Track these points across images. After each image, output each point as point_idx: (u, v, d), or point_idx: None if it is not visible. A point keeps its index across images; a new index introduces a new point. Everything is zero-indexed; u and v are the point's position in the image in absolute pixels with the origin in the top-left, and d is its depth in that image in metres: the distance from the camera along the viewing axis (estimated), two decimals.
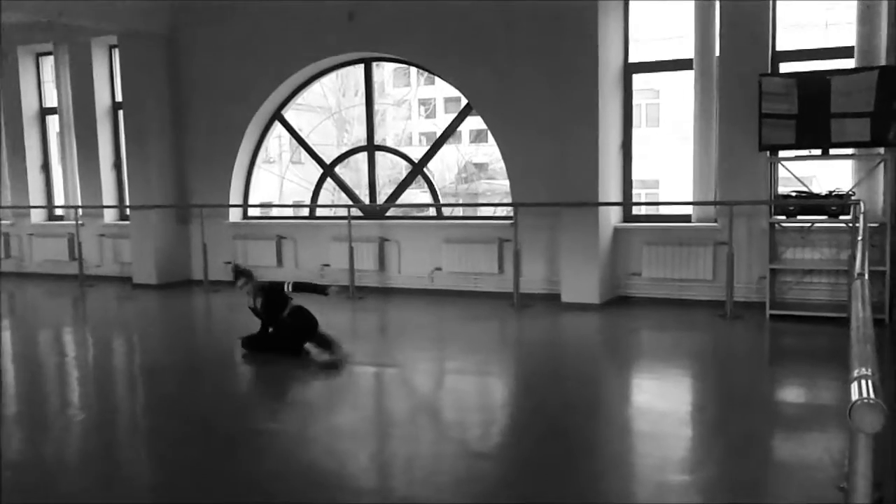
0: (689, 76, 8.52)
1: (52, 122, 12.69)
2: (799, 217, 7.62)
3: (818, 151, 7.51)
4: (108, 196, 12.02)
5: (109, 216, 12.12)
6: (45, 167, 12.86)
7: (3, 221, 12.98)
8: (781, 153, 7.70)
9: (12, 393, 6.22)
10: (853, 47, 7.67)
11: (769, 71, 7.94)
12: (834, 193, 7.47)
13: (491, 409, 5.62)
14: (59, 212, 12.80)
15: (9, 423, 5.34)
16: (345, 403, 5.71)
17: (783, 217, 7.68)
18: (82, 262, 11.51)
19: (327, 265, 10.18)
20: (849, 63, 7.69)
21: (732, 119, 8.12)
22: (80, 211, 11.87)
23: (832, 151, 7.48)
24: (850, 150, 7.56)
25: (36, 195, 12.74)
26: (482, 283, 9.50)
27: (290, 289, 6.63)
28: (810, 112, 7.30)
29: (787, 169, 7.78)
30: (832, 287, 7.80)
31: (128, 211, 11.58)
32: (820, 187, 7.83)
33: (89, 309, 10.16)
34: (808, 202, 7.54)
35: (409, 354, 6.98)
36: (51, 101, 12.61)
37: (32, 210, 12.70)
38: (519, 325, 8.12)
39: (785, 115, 7.38)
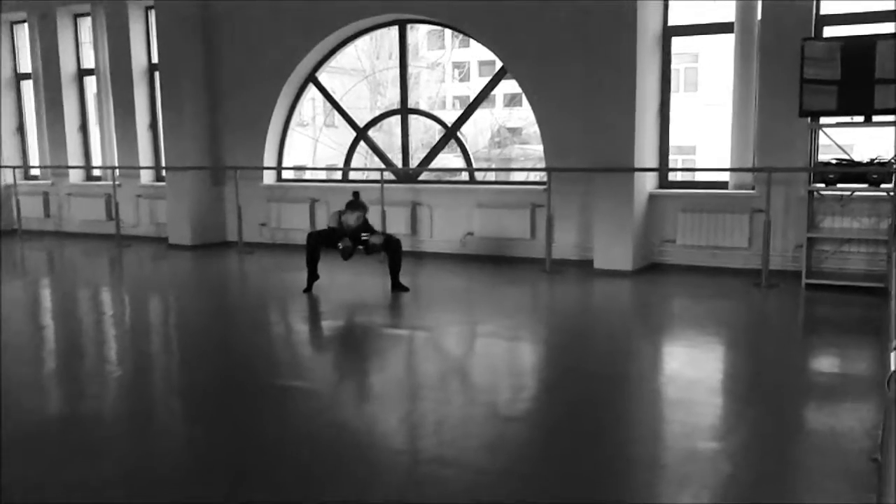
0: (729, 40, 8.35)
1: (90, 83, 12.81)
2: (838, 185, 7.48)
3: (860, 118, 7.34)
4: (145, 157, 12.15)
5: (146, 177, 12.26)
6: (83, 128, 13.03)
7: (42, 181, 13.23)
8: (822, 119, 7.53)
9: (51, 349, 6.39)
10: None
11: (812, 35, 7.75)
12: (875, 161, 7.31)
13: (521, 373, 5.64)
14: (96, 172, 12.98)
15: (49, 378, 5.49)
16: (375, 366, 5.78)
17: (822, 185, 7.54)
18: (119, 222, 11.70)
19: None
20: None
21: (773, 84, 7.95)
22: (116, 171, 12.05)
23: (875, 118, 7.31)
24: (893, 118, 7.38)
25: (74, 156, 12.92)
26: (514, 248, 9.48)
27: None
28: (853, 78, 7.12)
29: (827, 136, 7.62)
30: (870, 257, 7.68)
31: (163, 172, 11.71)
32: (860, 155, 7.66)
33: (126, 268, 10.32)
34: (849, 170, 7.39)
35: (439, 318, 6.99)
36: (88, 62, 12.73)
37: (71, 170, 12.90)
38: (550, 291, 8.10)
39: (827, 80, 7.20)
